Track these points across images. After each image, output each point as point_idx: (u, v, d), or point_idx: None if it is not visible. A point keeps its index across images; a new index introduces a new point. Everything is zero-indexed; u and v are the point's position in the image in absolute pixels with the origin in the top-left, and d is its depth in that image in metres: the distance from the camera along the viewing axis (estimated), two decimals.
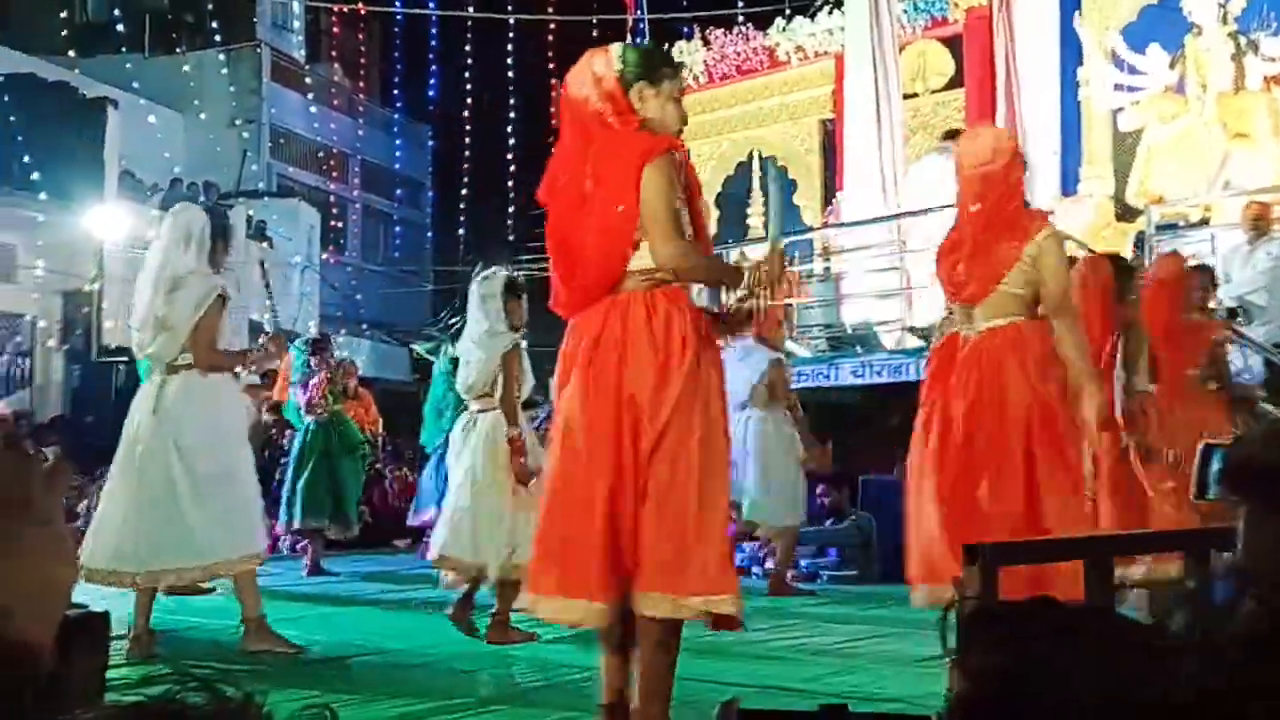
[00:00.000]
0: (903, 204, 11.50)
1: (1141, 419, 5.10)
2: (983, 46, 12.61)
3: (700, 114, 13.94)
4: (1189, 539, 3.29)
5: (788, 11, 15.07)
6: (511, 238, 20.25)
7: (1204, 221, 10.78)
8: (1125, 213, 11.76)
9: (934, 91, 13.62)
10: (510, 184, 21.39)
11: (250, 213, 18.47)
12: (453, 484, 5.83)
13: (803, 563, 8.78)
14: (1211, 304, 6.49)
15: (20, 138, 16.14)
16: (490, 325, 5.65)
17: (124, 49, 20.75)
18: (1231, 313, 7.93)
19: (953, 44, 13.42)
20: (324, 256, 21.97)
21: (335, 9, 24.23)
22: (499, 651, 5.24)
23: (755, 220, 14.97)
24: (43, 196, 16.01)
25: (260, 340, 5.39)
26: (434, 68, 23.55)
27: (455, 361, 6.15)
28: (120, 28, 20.24)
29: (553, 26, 19.89)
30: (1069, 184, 11.95)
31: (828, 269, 12.66)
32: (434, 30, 22.62)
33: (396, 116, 26.60)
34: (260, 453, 7.98)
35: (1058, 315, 4.02)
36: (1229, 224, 9.72)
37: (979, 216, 4.11)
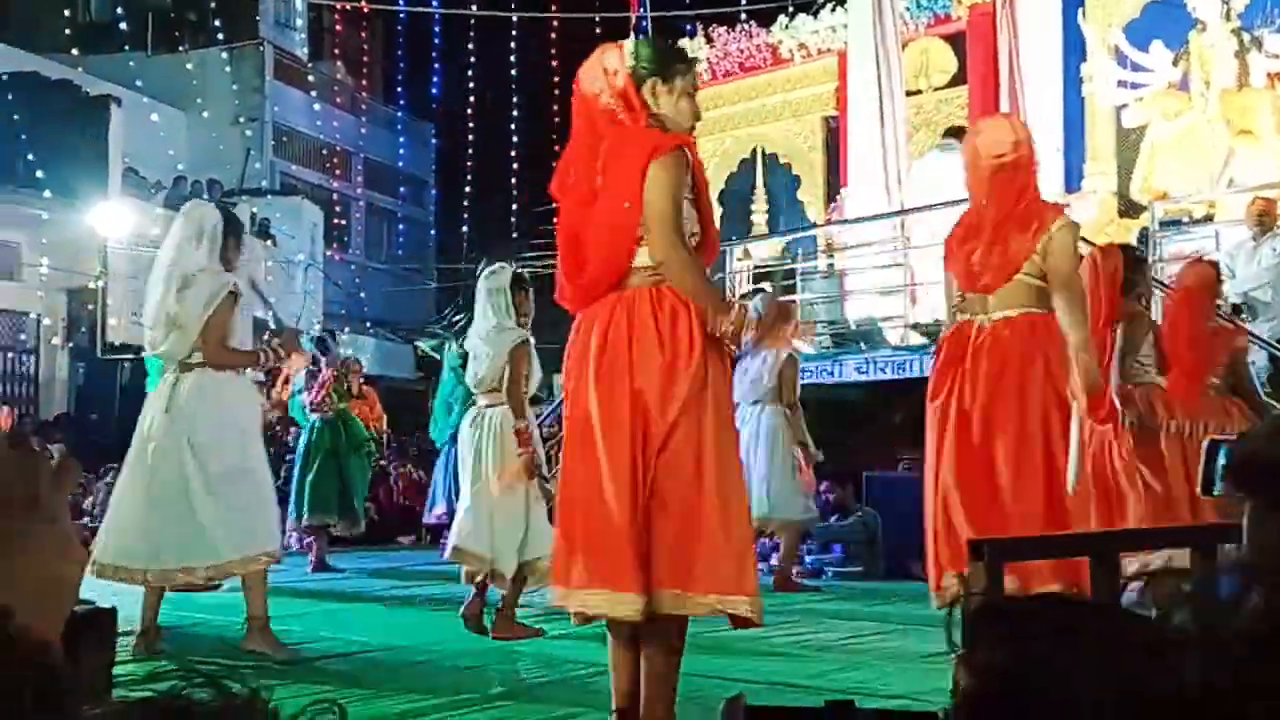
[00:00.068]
0: (905, 201, 11.50)
1: (1146, 408, 5.10)
2: (986, 43, 12.60)
3: (703, 111, 13.90)
4: (1194, 534, 3.29)
5: (791, 9, 15.06)
6: (515, 235, 20.28)
7: (1208, 218, 10.77)
8: (1129, 209, 11.75)
9: (937, 89, 13.61)
10: (513, 181, 21.43)
11: (254, 211, 18.48)
12: (463, 479, 5.83)
13: (808, 559, 8.78)
14: (1217, 301, 6.50)
15: (24, 136, 16.16)
16: (498, 321, 5.66)
17: (127, 47, 20.76)
18: (1236, 309, 7.92)
19: (956, 41, 13.41)
20: (327, 254, 21.98)
21: (338, 6, 24.25)
22: (505, 647, 5.25)
23: (759, 217, 14.98)
24: (47, 194, 16.04)
25: (268, 338, 5.36)
26: (437, 65, 23.60)
27: (465, 357, 6.16)
28: (123, 26, 20.24)
29: (556, 24, 19.91)
30: (1072, 180, 11.94)
31: (831, 266, 12.67)
32: (437, 28, 22.66)
33: (400, 114, 26.61)
34: (265, 450, 7.99)
35: (1062, 290, 4.03)
36: (1233, 220, 9.71)
37: (997, 206, 4.11)
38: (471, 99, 22.11)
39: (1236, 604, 0.85)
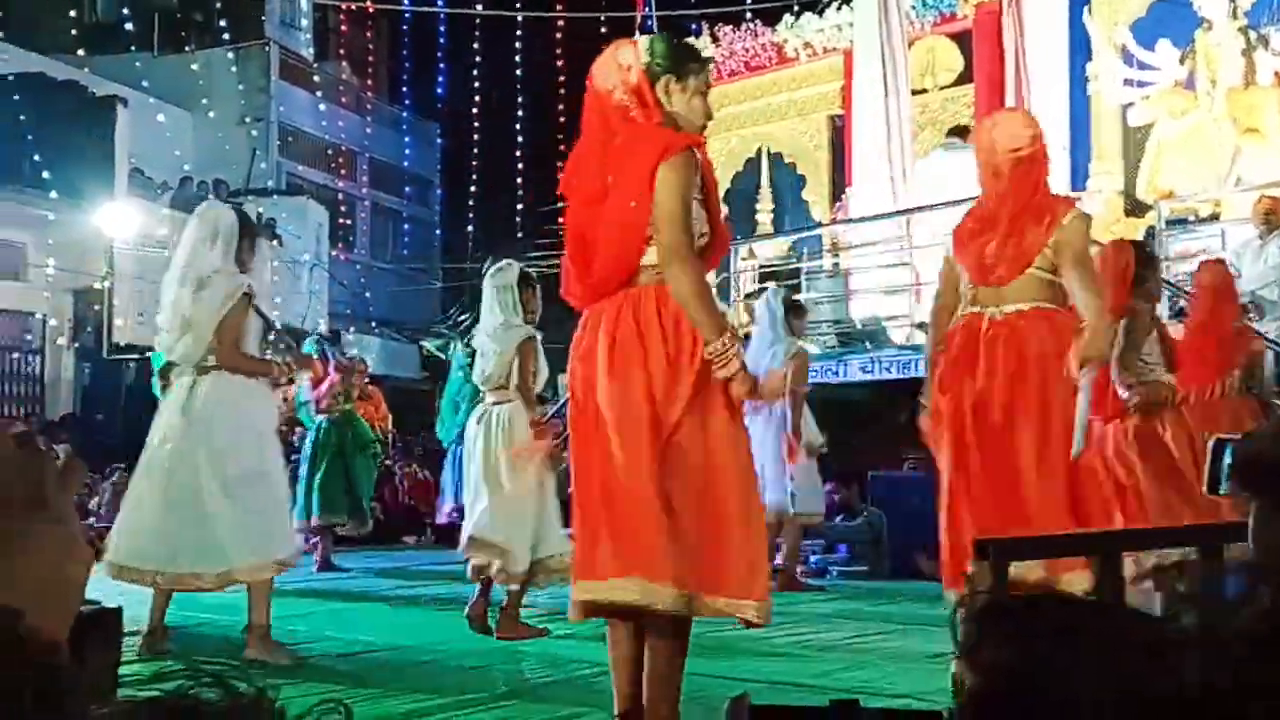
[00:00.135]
0: (909, 200, 11.49)
1: (1154, 393, 5.10)
2: (992, 42, 12.60)
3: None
4: (1200, 533, 3.28)
5: (796, 8, 15.07)
6: (520, 234, 20.28)
7: (1214, 216, 10.76)
8: (1135, 208, 11.74)
9: (943, 87, 13.61)
10: (518, 181, 21.43)
11: (259, 210, 18.50)
12: (471, 476, 5.83)
13: (813, 558, 8.79)
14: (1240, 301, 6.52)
15: (30, 136, 16.20)
16: (505, 318, 5.67)
17: (133, 48, 20.82)
18: (1243, 308, 7.91)
19: (961, 40, 13.41)
20: (333, 254, 22.00)
21: (343, 7, 24.29)
22: (509, 647, 5.25)
23: (764, 217, 14.99)
24: (53, 195, 16.08)
25: (281, 350, 5.30)
26: (442, 65, 23.63)
27: (473, 356, 6.16)
28: (129, 27, 20.29)
29: (561, 24, 19.91)
30: (1078, 179, 11.93)
31: (836, 265, 12.66)
32: (442, 28, 22.70)
33: (405, 114, 26.63)
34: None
35: (1075, 267, 4.02)
36: (1239, 219, 9.70)
37: (1014, 199, 4.11)
38: (476, 99, 22.14)
39: (1242, 604, 0.85)
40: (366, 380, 10.07)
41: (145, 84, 19.92)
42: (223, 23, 21.66)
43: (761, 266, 12.76)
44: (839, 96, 14.36)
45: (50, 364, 17.59)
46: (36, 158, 16.18)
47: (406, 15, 23.10)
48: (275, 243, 18.49)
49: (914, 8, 13.31)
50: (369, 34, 26.49)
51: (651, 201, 3.14)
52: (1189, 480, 4.85)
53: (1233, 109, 11.29)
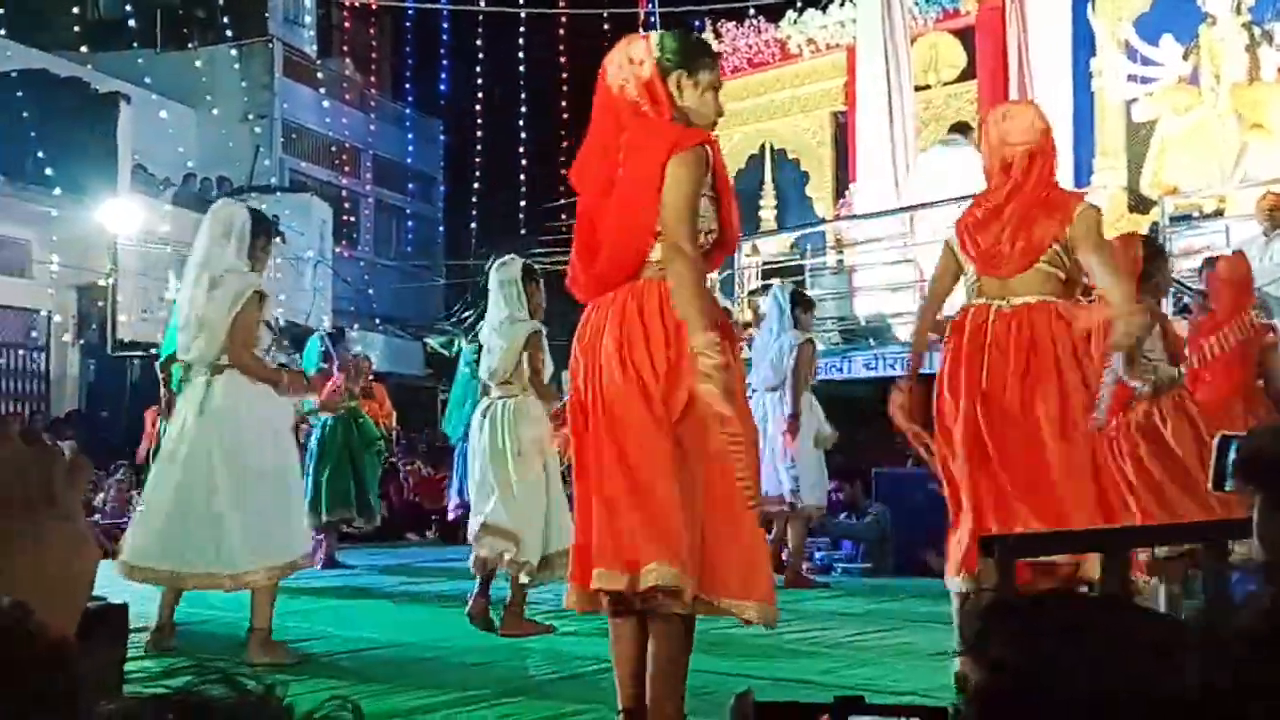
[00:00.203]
0: (909, 196, 11.48)
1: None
2: (995, 38, 12.58)
3: None
4: (1206, 530, 3.28)
5: (799, 4, 15.05)
6: (523, 231, 20.28)
7: (1218, 213, 10.74)
8: (1139, 204, 11.72)
9: (946, 83, 13.59)
10: (522, 177, 21.43)
11: (263, 208, 18.49)
12: (476, 469, 5.82)
13: (817, 555, 8.79)
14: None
15: (33, 133, 16.20)
16: (510, 312, 5.68)
17: (136, 44, 20.80)
18: None
19: (965, 36, 13.38)
20: (336, 251, 21.99)
21: (346, 3, 24.27)
22: (514, 644, 5.25)
23: (767, 213, 14.98)
24: (56, 191, 16.08)
25: (285, 347, 5.29)
26: (445, 62, 23.59)
27: (479, 351, 6.16)
28: (132, 23, 20.28)
29: (564, 20, 19.90)
30: (1082, 175, 11.91)
31: (840, 261, 12.65)
32: (445, 24, 22.67)
33: (408, 111, 26.61)
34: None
35: (1094, 253, 4.02)
36: (1244, 215, 9.68)
37: (1022, 193, 4.10)
38: (480, 95, 22.12)
39: (1247, 602, 0.85)
40: (370, 377, 10.07)
41: (148, 81, 19.91)
42: (226, 19, 21.65)
43: (765, 263, 12.75)
44: (842, 93, 14.35)
45: (55, 361, 17.60)
46: (40, 154, 16.18)
47: (410, 12, 23.11)
48: (279, 240, 18.50)
49: (917, 4, 13.29)
50: (372, 31, 26.48)
51: (660, 196, 3.14)
52: (1193, 475, 4.85)
53: (1237, 105, 11.27)
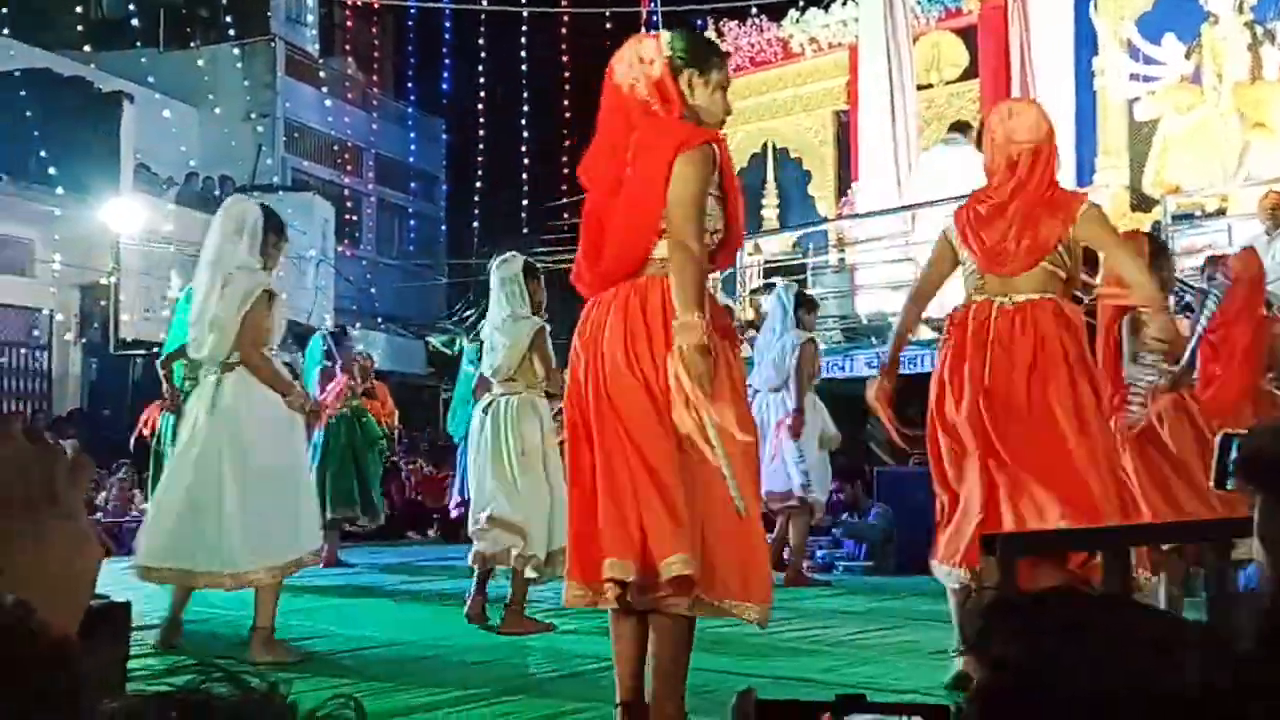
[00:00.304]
0: (909, 195, 11.48)
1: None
2: (997, 37, 12.58)
3: None
4: (1210, 529, 3.28)
5: (801, 3, 15.05)
6: (525, 230, 20.29)
7: (1220, 212, 10.74)
8: (1141, 203, 11.72)
9: (948, 83, 13.59)
10: (524, 176, 21.44)
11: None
12: (478, 465, 5.82)
13: (818, 554, 8.79)
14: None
15: (37, 132, 16.22)
16: (513, 309, 5.68)
17: (139, 44, 20.83)
18: None
19: (967, 35, 13.38)
20: (338, 250, 22.01)
21: (349, 2, 24.28)
22: (514, 642, 5.25)
23: (769, 212, 14.98)
24: (59, 191, 16.10)
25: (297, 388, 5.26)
26: (447, 61, 23.60)
27: (482, 349, 6.16)
28: (135, 22, 20.31)
29: (566, 19, 19.90)
30: (1084, 174, 11.91)
31: (842, 260, 12.65)
32: (447, 23, 22.67)
33: (410, 110, 26.63)
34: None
35: (1116, 250, 4.09)
36: (1246, 214, 9.68)
37: (1025, 191, 4.11)
38: (482, 94, 22.14)
39: (1249, 600, 0.85)
40: (372, 376, 10.07)
41: (151, 80, 19.93)
42: (228, 19, 21.69)
43: (767, 262, 12.75)
44: (844, 92, 14.35)
45: (57, 359, 17.61)
46: (43, 153, 16.20)
47: (412, 11, 23.12)
48: None
49: (919, 3, 13.30)
50: (374, 30, 26.51)
51: (665, 194, 3.14)
52: (1196, 473, 4.85)
53: (1239, 104, 11.27)
